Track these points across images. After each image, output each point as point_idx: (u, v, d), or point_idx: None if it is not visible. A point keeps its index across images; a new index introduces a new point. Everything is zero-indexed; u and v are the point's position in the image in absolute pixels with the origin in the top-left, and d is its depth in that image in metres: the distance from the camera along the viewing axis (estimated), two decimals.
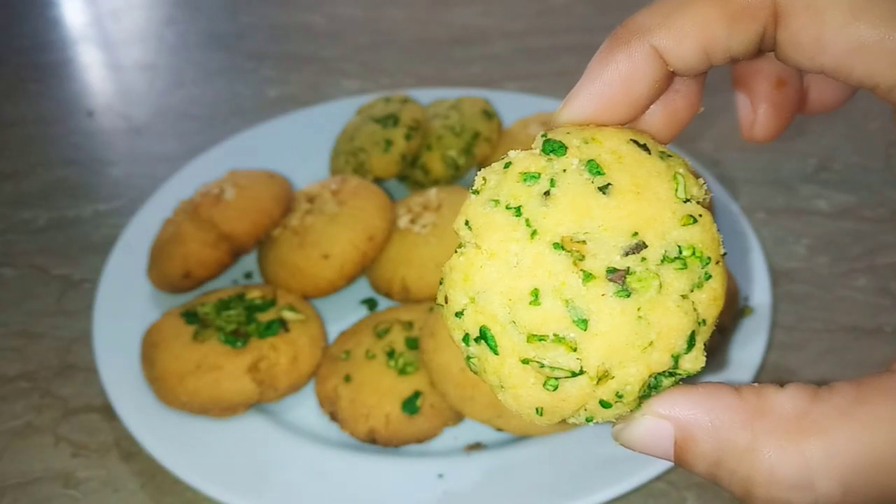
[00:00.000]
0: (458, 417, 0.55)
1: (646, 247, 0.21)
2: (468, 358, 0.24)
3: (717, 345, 0.55)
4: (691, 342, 0.22)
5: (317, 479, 0.51)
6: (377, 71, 1.00)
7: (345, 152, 0.74)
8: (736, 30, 0.26)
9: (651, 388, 0.22)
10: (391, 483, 0.51)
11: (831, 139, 0.80)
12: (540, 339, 0.22)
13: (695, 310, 0.22)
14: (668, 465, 0.49)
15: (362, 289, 0.66)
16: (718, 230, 0.23)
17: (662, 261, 0.21)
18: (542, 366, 0.22)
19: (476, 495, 0.50)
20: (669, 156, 0.23)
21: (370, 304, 0.65)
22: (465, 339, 0.24)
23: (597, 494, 0.48)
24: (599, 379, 0.22)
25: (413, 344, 0.57)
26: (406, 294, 0.63)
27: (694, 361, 0.22)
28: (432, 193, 0.67)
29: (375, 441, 0.54)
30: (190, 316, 0.58)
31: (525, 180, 0.23)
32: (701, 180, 0.23)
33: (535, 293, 0.22)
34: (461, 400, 0.52)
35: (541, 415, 0.23)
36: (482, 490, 0.50)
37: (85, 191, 0.82)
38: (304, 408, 0.57)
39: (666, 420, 0.23)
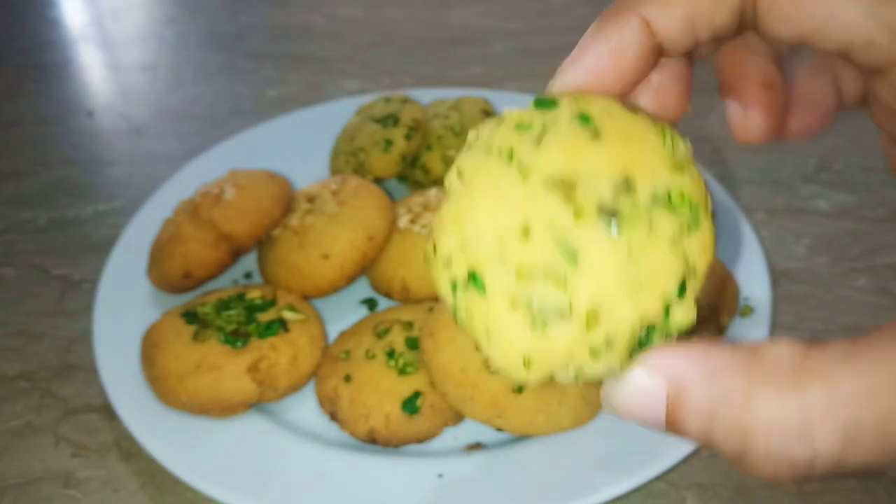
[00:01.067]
0: (458, 417, 0.55)
1: (634, 187, 0.21)
2: (455, 312, 0.24)
3: None
4: (682, 290, 0.21)
5: (317, 479, 0.51)
6: (377, 71, 1.00)
7: (345, 152, 0.74)
8: (718, 1, 0.26)
9: (641, 344, 0.22)
10: (391, 483, 0.51)
11: (831, 139, 0.80)
12: (529, 276, 0.21)
13: (686, 254, 0.21)
14: (668, 464, 0.49)
15: (362, 289, 0.66)
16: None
17: (653, 201, 0.21)
18: (531, 304, 0.21)
19: (476, 495, 0.50)
20: (656, 120, 0.24)
21: (370, 304, 0.65)
22: (454, 288, 0.23)
23: (597, 494, 0.48)
24: (588, 322, 0.21)
25: (413, 344, 0.57)
26: (406, 294, 0.63)
27: (685, 313, 0.22)
28: (432, 193, 0.67)
29: (375, 441, 0.54)
30: (190, 316, 0.58)
31: (518, 129, 0.23)
32: (686, 140, 0.24)
33: (526, 229, 0.22)
34: (461, 400, 0.52)
35: (528, 368, 0.22)
36: (482, 490, 0.50)
37: (85, 191, 0.82)
38: (304, 408, 0.57)
39: (658, 375, 0.22)
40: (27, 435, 0.58)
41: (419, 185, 0.74)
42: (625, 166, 0.21)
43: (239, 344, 0.55)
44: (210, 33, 1.12)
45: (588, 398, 0.52)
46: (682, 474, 0.52)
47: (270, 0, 1.18)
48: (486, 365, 0.49)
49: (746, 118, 0.31)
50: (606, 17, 0.27)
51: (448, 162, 0.72)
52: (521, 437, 0.53)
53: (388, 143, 0.71)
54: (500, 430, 0.53)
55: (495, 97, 0.79)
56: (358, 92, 0.94)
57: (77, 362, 0.63)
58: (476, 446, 0.54)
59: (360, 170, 0.72)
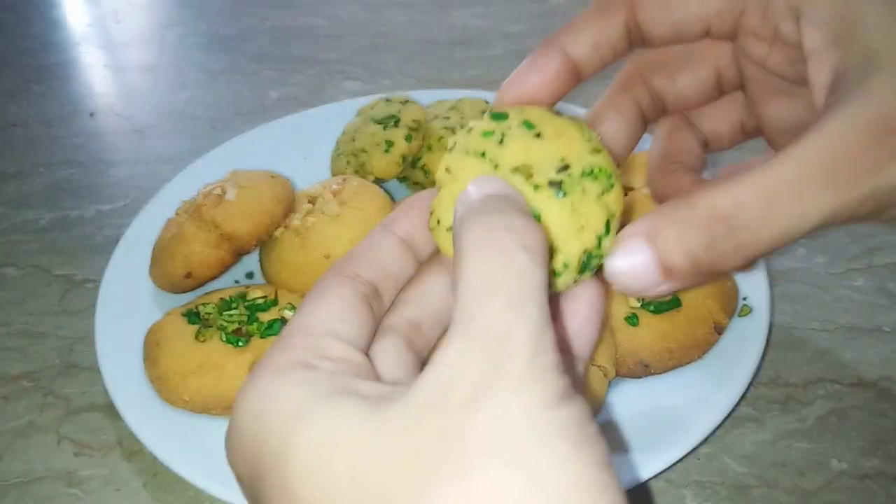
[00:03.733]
0: None
1: (570, 167, 0.31)
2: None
3: (716, 343, 0.56)
4: (608, 229, 0.31)
5: None
6: (378, 72, 1.00)
7: (346, 153, 0.75)
8: (607, 23, 0.36)
9: (584, 266, 0.31)
10: None
11: None
12: None
13: (607, 206, 0.31)
14: (667, 464, 0.49)
15: None
16: None
17: (582, 175, 0.31)
18: None
19: None
20: (575, 119, 0.34)
21: None
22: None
23: None
24: (551, 253, 0.30)
25: None
26: None
27: (612, 242, 0.31)
28: None
29: None
30: (192, 315, 0.58)
31: (484, 136, 0.32)
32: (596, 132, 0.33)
33: None
34: None
35: None
36: None
37: (87, 191, 0.83)
38: None
39: (636, 235, 0.29)
40: (30, 434, 0.58)
41: (420, 186, 0.74)
42: (561, 154, 0.31)
43: (241, 343, 0.56)
44: (212, 35, 1.12)
45: (588, 397, 0.52)
46: (681, 473, 0.52)
47: (272, 2, 1.18)
48: None
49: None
50: (537, 51, 0.38)
51: None
52: None
53: (389, 144, 0.71)
54: None
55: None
56: (359, 93, 0.95)
57: (79, 362, 0.64)
58: None
59: (361, 170, 0.72)
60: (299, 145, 0.80)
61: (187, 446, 0.53)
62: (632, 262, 0.29)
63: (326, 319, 0.30)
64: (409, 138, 0.72)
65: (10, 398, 0.61)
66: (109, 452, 0.57)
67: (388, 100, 0.78)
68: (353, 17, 1.13)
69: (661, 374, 0.55)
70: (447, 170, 0.33)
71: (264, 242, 0.66)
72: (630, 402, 0.54)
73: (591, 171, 0.31)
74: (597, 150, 0.32)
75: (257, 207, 0.64)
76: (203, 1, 1.21)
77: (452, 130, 0.73)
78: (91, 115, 0.96)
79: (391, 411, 0.23)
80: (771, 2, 0.33)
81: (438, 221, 0.32)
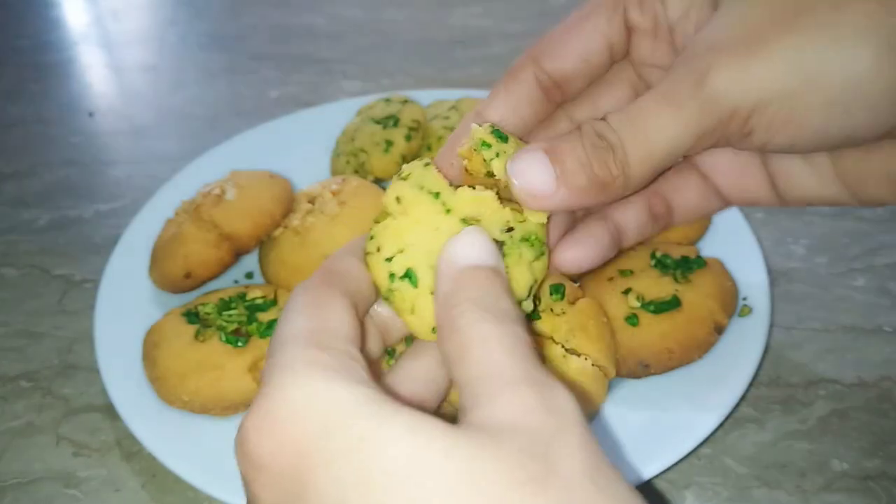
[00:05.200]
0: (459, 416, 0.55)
1: (513, 230, 0.34)
2: (389, 291, 0.34)
3: (716, 343, 0.56)
4: (529, 292, 0.34)
5: None
6: (377, 72, 1.00)
7: (345, 153, 0.75)
8: (518, 86, 0.41)
9: None
10: None
11: None
12: None
13: (534, 272, 0.34)
14: (668, 465, 0.49)
15: None
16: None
17: (521, 239, 0.34)
18: None
19: None
20: None
21: None
22: (391, 277, 0.34)
23: None
24: None
25: (412, 342, 0.57)
26: None
27: (527, 305, 0.35)
28: None
29: None
30: (191, 315, 0.58)
31: (441, 174, 0.34)
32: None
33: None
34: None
35: (434, 332, 0.34)
36: None
37: (86, 191, 0.83)
38: None
39: (534, 147, 0.35)
40: (28, 434, 0.58)
41: None
42: (508, 217, 0.34)
43: (240, 343, 0.56)
44: (211, 34, 1.12)
45: (588, 398, 0.52)
46: (682, 474, 0.52)
47: (271, 1, 1.18)
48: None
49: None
50: (508, 74, 0.41)
51: None
52: None
53: (389, 143, 0.71)
54: None
55: None
56: (358, 93, 0.95)
57: (78, 362, 0.63)
58: None
59: (360, 170, 0.72)
60: (299, 145, 0.80)
61: (186, 446, 0.53)
62: (528, 162, 0.34)
63: (342, 326, 0.31)
64: (408, 138, 0.72)
65: (8, 398, 0.61)
66: (108, 453, 0.56)
67: (387, 99, 0.77)
68: (353, 17, 1.13)
69: (661, 374, 0.55)
70: (398, 199, 0.34)
71: (264, 242, 0.66)
72: (630, 402, 0.53)
73: (529, 238, 0.34)
74: (540, 221, 0.35)
75: (257, 207, 0.64)
76: (202, 0, 1.21)
77: (452, 130, 0.73)
78: (90, 114, 0.96)
79: (476, 450, 0.25)
80: None
81: (378, 249, 0.34)
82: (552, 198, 0.34)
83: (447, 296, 0.31)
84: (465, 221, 0.33)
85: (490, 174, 0.35)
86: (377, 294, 0.36)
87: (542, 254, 0.35)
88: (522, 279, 0.34)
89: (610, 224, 0.43)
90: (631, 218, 0.44)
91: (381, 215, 0.35)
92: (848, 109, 0.33)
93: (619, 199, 0.37)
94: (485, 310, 0.29)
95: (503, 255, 0.33)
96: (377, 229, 0.34)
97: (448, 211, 0.33)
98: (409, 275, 0.34)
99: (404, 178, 0.35)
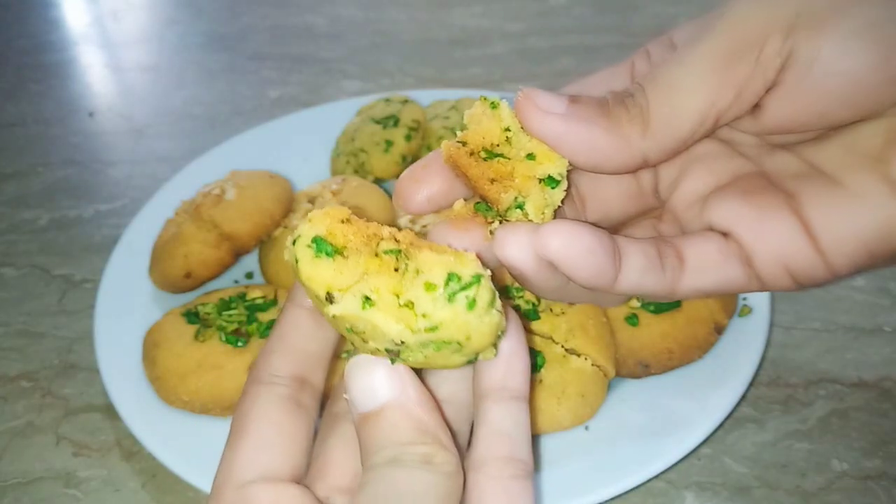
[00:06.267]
0: None
1: (404, 343, 0.30)
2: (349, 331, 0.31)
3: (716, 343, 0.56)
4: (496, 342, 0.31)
5: None
6: (377, 72, 1.00)
7: (345, 153, 0.75)
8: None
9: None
10: None
11: None
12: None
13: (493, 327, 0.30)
14: (668, 465, 0.49)
15: None
16: None
17: (462, 288, 0.29)
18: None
19: None
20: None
21: None
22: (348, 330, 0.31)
23: (596, 493, 0.48)
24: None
25: None
26: None
27: (490, 354, 0.31)
28: None
29: None
30: (191, 315, 0.58)
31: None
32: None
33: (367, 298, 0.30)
34: None
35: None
36: None
37: (86, 191, 0.83)
38: None
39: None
40: (28, 434, 0.58)
41: None
42: (398, 334, 0.30)
43: (240, 343, 0.56)
44: (211, 34, 1.12)
45: (587, 398, 0.52)
46: (682, 474, 0.52)
47: (271, 1, 1.18)
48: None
49: None
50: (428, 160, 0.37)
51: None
52: None
53: (389, 143, 0.71)
54: None
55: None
56: (358, 93, 0.95)
57: (78, 362, 0.63)
58: None
59: (360, 170, 0.72)
60: (299, 145, 0.80)
61: (186, 447, 0.53)
62: (543, 95, 0.32)
63: (255, 458, 0.31)
64: (408, 138, 0.72)
65: (8, 398, 0.61)
66: (108, 453, 0.56)
67: (387, 99, 0.77)
68: (353, 16, 1.13)
69: (661, 374, 0.55)
70: (296, 259, 0.32)
71: (264, 242, 0.66)
72: (630, 402, 0.53)
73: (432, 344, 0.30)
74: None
75: (257, 207, 0.64)
76: (202, 0, 1.21)
77: (452, 130, 0.73)
78: (90, 114, 0.96)
79: None
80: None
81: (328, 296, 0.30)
82: (560, 121, 0.31)
83: (362, 450, 0.31)
84: (351, 330, 0.30)
85: (490, 153, 0.34)
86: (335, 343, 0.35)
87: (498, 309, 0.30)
88: (486, 334, 0.30)
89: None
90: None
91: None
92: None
93: (637, 164, 0.33)
94: (396, 465, 0.29)
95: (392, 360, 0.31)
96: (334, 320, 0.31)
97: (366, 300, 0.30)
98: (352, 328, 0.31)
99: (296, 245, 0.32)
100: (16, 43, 1.11)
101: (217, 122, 0.92)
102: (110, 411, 0.57)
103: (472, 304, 0.29)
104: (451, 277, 0.29)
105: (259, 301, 0.59)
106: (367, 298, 0.29)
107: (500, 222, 0.34)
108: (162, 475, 0.54)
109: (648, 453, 0.49)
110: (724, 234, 0.35)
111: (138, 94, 1.00)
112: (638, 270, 0.32)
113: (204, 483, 0.50)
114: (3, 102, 0.98)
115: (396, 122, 0.72)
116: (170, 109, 0.96)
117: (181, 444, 0.53)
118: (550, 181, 0.33)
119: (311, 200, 0.66)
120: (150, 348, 0.57)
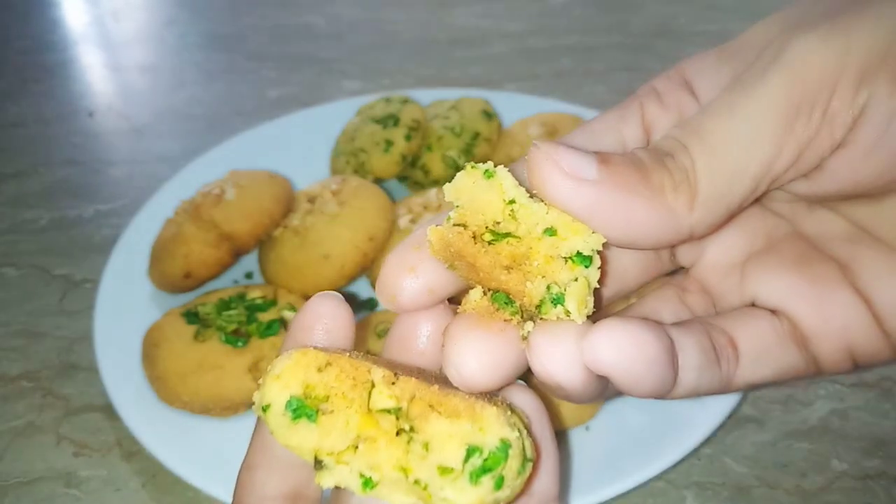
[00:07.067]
0: None
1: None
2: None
3: None
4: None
5: None
6: (377, 72, 1.00)
7: (345, 153, 0.75)
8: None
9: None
10: None
11: None
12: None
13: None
14: (668, 464, 0.49)
15: (363, 289, 0.66)
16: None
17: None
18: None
19: None
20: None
21: (370, 304, 0.65)
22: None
23: (597, 493, 0.48)
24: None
25: None
26: None
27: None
28: (432, 194, 0.67)
29: None
30: (191, 316, 0.58)
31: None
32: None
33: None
34: None
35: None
36: None
37: (86, 191, 0.83)
38: None
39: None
40: (29, 434, 0.58)
41: (419, 186, 0.74)
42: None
43: (240, 343, 0.56)
44: (211, 34, 1.12)
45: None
46: (682, 474, 0.52)
47: (271, 1, 1.18)
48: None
49: None
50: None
51: (447, 162, 0.72)
52: None
53: (389, 143, 0.71)
54: None
55: (495, 97, 0.80)
56: (358, 92, 0.95)
57: (78, 362, 0.63)
58: None
59: (360, 170, 0.72)
60: (298, 145, 0.80)
61: (186, 446, 0.53)
62: (568, 151, 0.26)
63: None
64: (408, 138, 0.72)
65: (9, 398, 0.61)
66: (108, 453, 0.56)
67: (387, 99, 0.77)
68: (353, 16, 1.13)
69: None
70: (263, 407, 0.28)
71: (263, 242, 0.66)
72: (630, 402, 0.53)
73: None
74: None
75: (256, 207, 0.64)
76: (202, 0, 1.21)
77: (452, 130, 0.73)
78: (90, 114, 0.96)
79: None
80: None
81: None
82: (593, 189, 0.25)
83: None
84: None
85: (496, 234, 0.27)
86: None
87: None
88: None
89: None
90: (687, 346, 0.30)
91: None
92: None
93: (682, 239, 0.27)
94: None
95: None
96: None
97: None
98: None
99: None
100: (16, 43, 1.11)
101: (217, 122, 0.92)
102: (110, 411, 0.57)
103: (499, 482, 0.24)
104: (471, 452, 0.24)
105: (259, 301, 0.59)
106: (368, 479, 0.25)
107: (532, 320, 0.28)
108: (162, 475, 0.54)
109: (648, 453, 0.50)
110: (772, 311, 0.30)
111: (138, 94, 1.00)
112: (696, 370, 0.29)
113: (204, 483, 0.50)
114: (3, 102, 0.98)
115: (396, 122, 0.72)
116: (170, 109, 0.96)
117: (181, 444, 0.53)
118: (581, 259, 0.27)
119: (312, 200, 0.66)
120: (150, 348, 0.57)
